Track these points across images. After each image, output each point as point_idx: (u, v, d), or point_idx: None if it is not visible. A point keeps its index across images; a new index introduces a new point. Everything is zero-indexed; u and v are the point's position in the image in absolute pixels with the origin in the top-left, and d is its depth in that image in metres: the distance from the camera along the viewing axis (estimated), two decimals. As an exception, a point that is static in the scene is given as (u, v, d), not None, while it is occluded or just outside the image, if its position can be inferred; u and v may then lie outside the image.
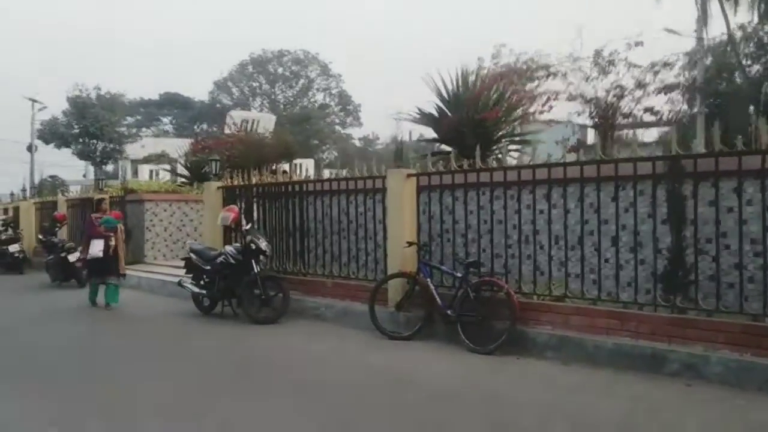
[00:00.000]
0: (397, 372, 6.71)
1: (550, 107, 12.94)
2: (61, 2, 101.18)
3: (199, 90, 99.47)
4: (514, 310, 7.16)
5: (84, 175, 49.90)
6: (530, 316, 7.26)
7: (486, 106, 10.81)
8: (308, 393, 6.01)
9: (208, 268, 10.18)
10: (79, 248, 14.44)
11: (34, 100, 37.41)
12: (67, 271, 14.65)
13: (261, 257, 9.94)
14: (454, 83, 11.27)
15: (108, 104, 43.55)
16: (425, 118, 11.90)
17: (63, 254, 14.49)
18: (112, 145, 44.30)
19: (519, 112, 12.44)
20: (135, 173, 47.03)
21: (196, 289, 10.32)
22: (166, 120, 76.73)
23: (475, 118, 10.52)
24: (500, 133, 11.92)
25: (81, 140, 43.34)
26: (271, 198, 11.02)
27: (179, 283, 10.63)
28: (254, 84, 73.90)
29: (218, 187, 11.90)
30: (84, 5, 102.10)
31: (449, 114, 11.44)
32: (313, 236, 10.23)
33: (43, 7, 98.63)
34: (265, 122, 44.98)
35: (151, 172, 42.22)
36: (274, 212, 10.94)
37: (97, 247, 10.97)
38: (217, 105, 74.24)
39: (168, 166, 43.21)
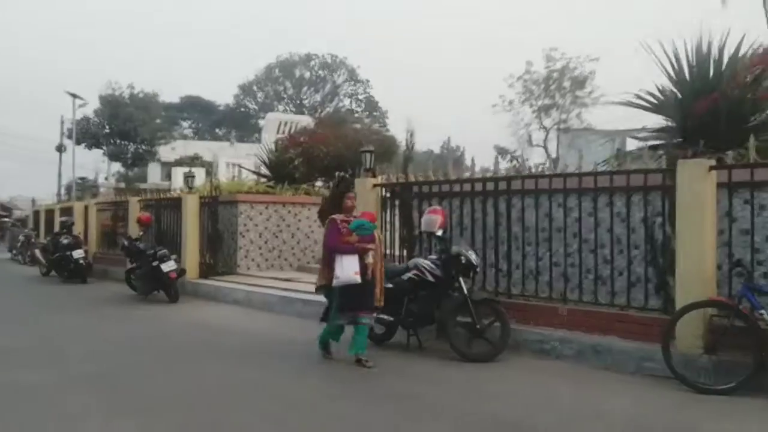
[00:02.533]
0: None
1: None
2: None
3: (222, 94, 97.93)
4: None
5: (106, 178, 47.80)
6: None
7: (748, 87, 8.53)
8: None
9: (390, 286, 7.93)
10: (173, 257, 12.33)
11: (75, 96, 35.12)
12: (159, 282, 12.45)
13: (470, 273, 7.72)
14: (692, 57, 9.04)
15: (142, 104, 41.45)
16: (659, 104, 9.65)
17: (155, 263, 12.27)
18: (144, 147, 42.15)
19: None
20: (168, 176, 45.01)
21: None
22: (186, 124, 74.84)
23: (747, 98, 8.16)
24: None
25: (113, 141, 41.18)
26: (457, 199, 8.79)
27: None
28: (280, 88, 71.98)
29: (375, 185, 9.66)
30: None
31: (680, 96, 9.21)
32: (531, 247, 7.99)
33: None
34: (303, 125, 43.08)
35: (186, 174, 40.14)
36: (462, 217, 8.69)
37: (352, 267, 6.87)
38: (242, 109, 72.46)
39: (203, 169, 41.35)
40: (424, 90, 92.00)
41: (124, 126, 39.93)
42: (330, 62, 70.95)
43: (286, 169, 16.66)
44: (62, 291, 14.75)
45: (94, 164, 45.73)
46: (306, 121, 46.13)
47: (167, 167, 46.56)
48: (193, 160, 43.78)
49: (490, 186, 8.39)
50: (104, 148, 41.54)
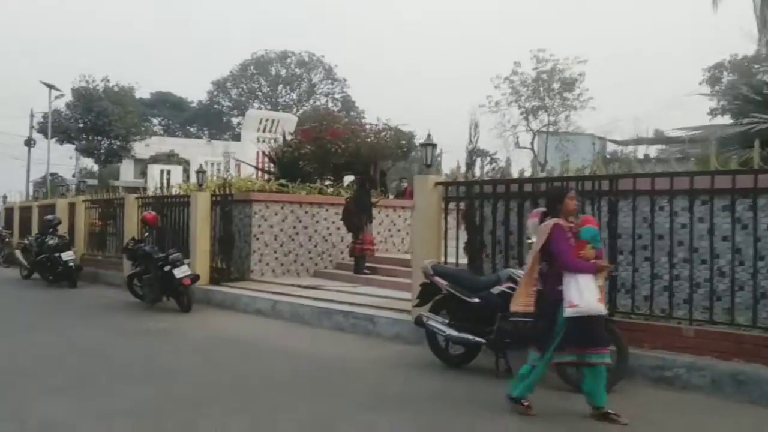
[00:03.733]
0: None
1: None
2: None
3: (194, 91, 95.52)
4: None
5: (73, 175, 45.69)
6: None
7: None
8: None
9: (477, 301, 6.78)
10: (187, 261, 11.01)
11: (51, 86, 33.13)
12: (170, 289, 11.12)
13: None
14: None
15: (117, 98, 39.58)
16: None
17: (167, 268, 10.93)
18: (118, 142, 40.25)
19: None
20: (142, 174, 43.14)
21: (454, 333, 6.89)
22: (156, 120, 72.53)
23: None
24: None
25: (85, 136, 39.23)
26: (535, 200, 7.67)
27: (419, 321, 7.18)
28: (254, 85, 70.28)
29: (437, 183, 8.48)
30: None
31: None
32: (643, 257, 6.90)
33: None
34: (285, 123, 41.63)
35: (162, 171, 38.37)
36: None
37: (593, 294, 5.17)
38: (215, 106, 70.53)
39: (180, 166, 39.59)
40: (404, 90, 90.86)
41: (98, 120, 38.03)
42: (307, 60, 69.53)
43: (299, 166, 15.36)
44: (52, 296, 13.26)
45: (63, 160, 43.74)
46: (288, 118, 44.84)
47: (141, 164, 44.66)
48: (169, 157, 42.00)
49: (586, 185, 7.27)
50: (76, 143, 39.56)
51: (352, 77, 78.24)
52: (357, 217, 12.39)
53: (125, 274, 12.82)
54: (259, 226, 12.91)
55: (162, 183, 12.09)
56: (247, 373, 6.92)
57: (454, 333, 6.88)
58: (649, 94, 70.55)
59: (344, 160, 14.97)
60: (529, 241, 6.76)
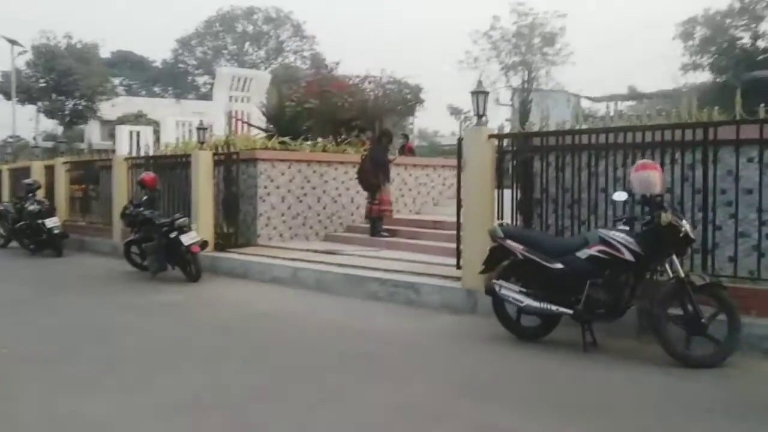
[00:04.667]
0: None
1: None
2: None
3: (156, 51, 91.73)
4: None
5: (34, 137, 43.58)
6: None
7: None
8: None
9: (559, 266, 6.00)
10: (194, 226, 10.09)
11: (14, 42, 31.04)
12: (176, 257, 10.17)
13: (685, 250, 5.87)
14: None
15: (80, 55, 37.57)
16: None
17: (174, 234, 9.96)
18: (84, 103, 38.33)
19: None
20: (110, 135, 41.29)
21: (534, 303, 6.12)
22: (116, 81, 69.72)
23: None
24: None
25: (48, 96, 37.25)
26: (605, 153, 6.88)
27: (491, 289, 6.38)
28: (220, 43, 67.95)
29: (491, 136, 7.62)
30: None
31: None
32: (747, 215, 6.20)
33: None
34: (258, 81, 40.09)
35: (131, 133, 36.62)
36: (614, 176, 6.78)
37: None
38: (180, 65, 68.13)
39: (150, 127, 37.84)
40: (378, 45, 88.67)
41: (62, 80, 36.09)
42: (274, 17, 67.38)
43: (300, 123, 14.32)
44: (41, 268, 12.13)
45: (23, 122, 41.55)
46: (262, 76, 43.20)
47: (108, 125, 42.74)
48: (138, 118, 40.20)
49: (671, 135, 6.48)
50: (39, 104, 37.58)
51: (321, 33, 76.18)
52: (374, 175, 11.50)
53: (121, 242, 11.78)
54: (266, 187, 11.94)
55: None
56: (301, 354, 6.07)
57: (533, 303, 6.12)
58: (630, 50, 70.13)
59: (350, 116, 13.97)
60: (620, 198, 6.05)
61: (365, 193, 12.45)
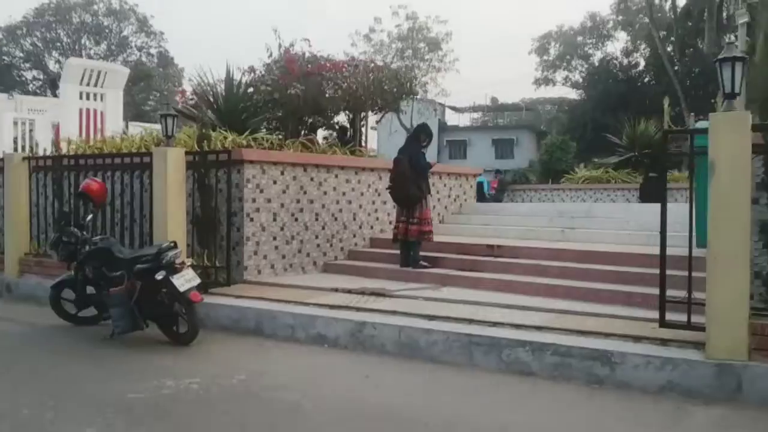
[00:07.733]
0: None
1: None
2: None
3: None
4: None
5: None
6: None
7: None
8: None
9: None
10: (188, 263, 6.70)
11: None
12: (160, 309, 6.65)
13: None
14: None
15: None
16: None
17: (160, 275, 6.42)
18: None
19: None
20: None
21: None
22: None
23: None
24: None
25: None
26: None
27: None
28: (53, 35, 60.26)
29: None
30: None
31: None
32: None
33: None
34: (114, 75, 34.94)
35: (18, 123, 29.95)
36: None
37: None
38: (4, 58, 59.54)
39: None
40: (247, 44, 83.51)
41: None
42: (117, 9, 60.99)
43: (255, 113, 10.90)
44: None
45: None
46: (118, 70, 37.82)
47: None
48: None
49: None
50: None
51: (169, 30, 70.40)
52: (415, 184, 8.52)
53: (17, 277, 7.92)
54: (254, 200, 8.58)
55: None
56: None
57: None
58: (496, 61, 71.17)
59: (337, 105, 10.80)
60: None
61: (368, 208, 9.50)
